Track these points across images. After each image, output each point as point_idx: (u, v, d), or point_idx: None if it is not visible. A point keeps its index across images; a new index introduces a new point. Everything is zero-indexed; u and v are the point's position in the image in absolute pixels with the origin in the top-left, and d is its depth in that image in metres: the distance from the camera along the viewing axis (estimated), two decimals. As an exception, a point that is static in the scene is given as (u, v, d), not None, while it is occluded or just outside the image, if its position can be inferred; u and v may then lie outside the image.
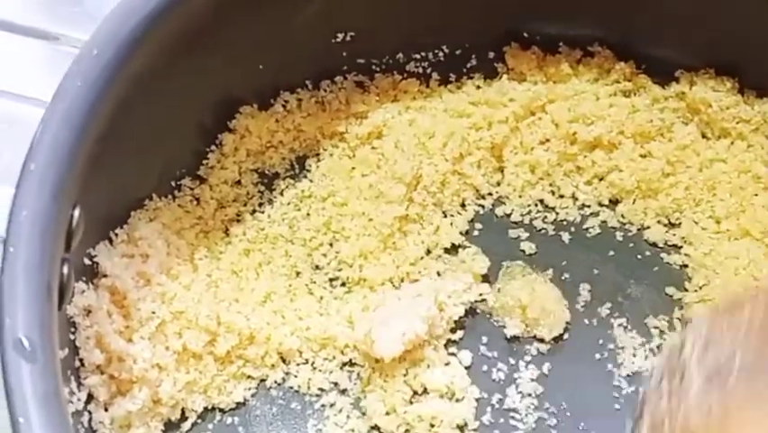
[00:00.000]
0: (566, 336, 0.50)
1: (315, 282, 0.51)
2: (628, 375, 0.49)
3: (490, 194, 0.54)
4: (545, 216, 0.54)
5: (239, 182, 0.53)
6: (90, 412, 0.43)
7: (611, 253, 0.53)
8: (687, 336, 0.44)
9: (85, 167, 0.40)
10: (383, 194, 0.53)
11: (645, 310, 0.51)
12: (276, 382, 0.49)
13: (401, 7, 0.55)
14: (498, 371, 0.49)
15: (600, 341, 0.50)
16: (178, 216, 0.51)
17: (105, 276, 0.45)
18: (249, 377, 0.49)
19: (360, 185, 0.53)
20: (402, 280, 0.51)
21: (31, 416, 0.34)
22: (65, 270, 0.39)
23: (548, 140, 0.55)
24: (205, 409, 0.48)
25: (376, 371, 0.48)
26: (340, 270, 0.52)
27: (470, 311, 0.51)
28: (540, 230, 0.54)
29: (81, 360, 0.43)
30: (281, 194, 0.54)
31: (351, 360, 0.49)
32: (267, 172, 0.54)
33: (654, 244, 0.53)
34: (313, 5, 0.53)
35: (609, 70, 0.57)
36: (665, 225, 0.53)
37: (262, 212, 0.53)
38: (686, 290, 0.52)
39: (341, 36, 0.55)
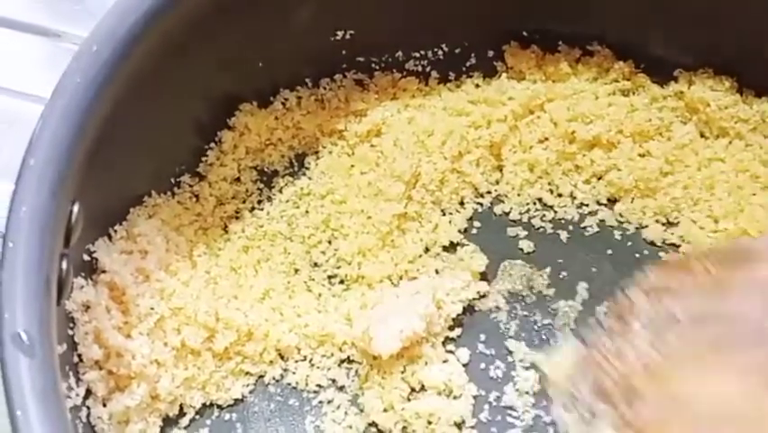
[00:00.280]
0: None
1: (313, 280, 0.52)
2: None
3: (489, 192, 0.55)
4: (544, 215, 0.54)
5: (238, 179, 0.54)
6: (89, 407, 0.43)
7: (609, 251, 0.53)
8: (634, 291, 0.45)
9: (84, 163, 0.40)
10: (382, 192, 0.53)
11: (643, 309, 0.51)
12: (274, 378, 0.49)
13: (400, 6, 0.55)
14: (495, 368, 0.49)
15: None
16: (177, 212, 0.51)
17: (104, 272, 0.45)
18: (247, 373, 0.49)
19: (359, 183, 0.53)
20: (401, 278, 0.51)
21: (29, 409, 0.34)
22: (64, 265, 0.39)
23: (547, 138, 0.55)
24: (204, 405, 0.48)
25: (374, 368, 0.49)
26: (338, 267, 0.52)
27: (468, 309, 0.51)
28: (538, 228, 0.54)
29: (80, 355, 0.43)
30: (280, 191, 0.54)
31: (349, 357, 0.49)
32: (266, 170, 0.54)
33: (653, 243, 0.53)
34: (311, 4, 0.53)
35: (608, 69, 0.57)
36: (663, 224, 0.54)
37: (261, 209, 0.53)
38: (684, 289, 0.52)
39: (340, 34, 0.55)
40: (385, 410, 0.48)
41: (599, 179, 0.55)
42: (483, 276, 0.52)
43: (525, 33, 0.58)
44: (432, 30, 0.57)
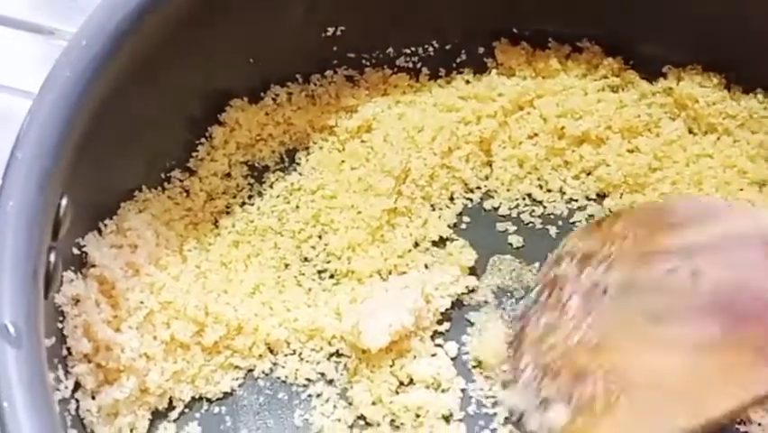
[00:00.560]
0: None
1: (303, 274, 0.52)
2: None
3: (479, 188, 0.55)
4: (533, 210, 0.54)
5: (228, 174, 0.54)
6: (77, 400, 0.44)
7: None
8: (562, 255, 0.45)
9: (73, 157, 0.40)
10: (372, 187, 0.53)
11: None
12: (263, 372, 0.49)
13: (391, 2, 0.56)
14: (483, 362, 0.50)
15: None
16: (167, 207, 0.51)
17: (93, 266, 0.46)
18: (236, 367, 0.49)
19: (349, 178, 0.54)
20: (390, 273, 0.52)
21: (15, 400, 0.34)
22: (52, 258, 0.39)
23: (536, 134, 0.55)
24: (193, 398, 0.48)
25: (362, 361, 0.49)
26: (328, 262, 0.52)
27: (457, 303, 0.51)
28: (528, 224, 0.54)
29: (69, 348, 0.43)
30: (271, 186, 0.54)
31: (338, 351, 0.50)
32: (256, 165, 0.55)
33: (641, 238, 0.53)
34: (302, 0, 0.53)
35: (598, 66, 0.57)
36: (652, 220, 0.54)
37: (252, 204, 0.54)
38: (671, 284, 0.52)
39: (331, 31, 0.56)
40: (373, 404, 0.48)
41: (588, 174, 0.55)
42: (472, 271, 0.52)
43: (515, 30, 0.58)
44: (422, 26, 0.57)
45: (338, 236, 0.52)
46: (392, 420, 0.48)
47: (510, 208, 0.54)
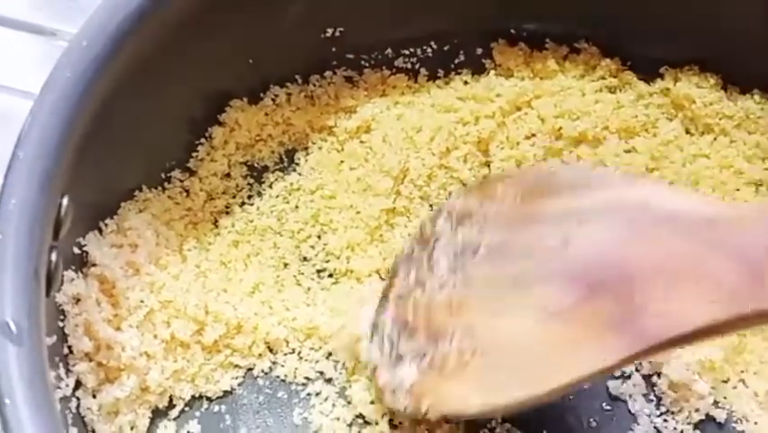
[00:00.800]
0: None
1: (302, 274, 0.52)
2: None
3: (477, 188, 0.55)
4: (531, 210, 0.55)
5: (228, 175, 0.54)
6: (78, 399, 0.44)
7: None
8: (441, 210, 0.44)
9: (73, 157, 0.41)
10: (371, 187, 0.53)
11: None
12: (263, 371, 0.50)
13: (389, 3, 0.56)
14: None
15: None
16: (167, 207, 0.52)
17: (94, 265, 0.46)
18: (236, 366, 0.49)
19: (348, 178, 0.54)
20: (388, 272, 0.52)
21: (17, 397, 0.35)
22: (53, 257, 0.39)
23: (534, 135, 0.56)
24: (193, 397, 0.48)
25: (360, 362, 0.49)
26: (327, 261, 0.52)
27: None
28: (525, 223, 0.54)
29: (70, 347, 0.44)
30: (270, 186, 0.54)
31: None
32: (256, 165, 0.55)
33: (637, 238, 0.54)
34: (301, 1, 0.53)
35: (595, 67, 0.58)
36: (648, 220, 0.54)
37: (251, 204, 0.54)
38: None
39: (330, 31, 0.56)
40: (372, 403, 0.48)
41: (586, 174, 0.55)
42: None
43: (513, 31, 0.58)
44: (421, 28, 0.58)
45: (337, 236, 0.52)
46: (390, 420, 0.48)
47: (508, 208, 0.55)
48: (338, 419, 0.48)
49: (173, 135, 0.52)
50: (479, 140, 0.55)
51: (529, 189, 0.42)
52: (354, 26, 0.56)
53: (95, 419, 0.44)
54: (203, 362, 0.49)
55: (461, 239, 0.43)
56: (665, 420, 0.48)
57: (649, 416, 0.48)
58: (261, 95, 0.56)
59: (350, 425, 0.48)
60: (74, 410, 0.43)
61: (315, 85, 0.57)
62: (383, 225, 0.53)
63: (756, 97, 0.55)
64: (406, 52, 0.58)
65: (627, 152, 0.55)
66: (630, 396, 0.49)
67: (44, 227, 0.38)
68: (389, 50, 0.58)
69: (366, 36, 0.57)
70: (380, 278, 0.51)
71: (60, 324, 0.43)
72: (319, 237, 0.53)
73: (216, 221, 0.53)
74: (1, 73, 0.61)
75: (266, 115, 0.55)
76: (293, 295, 0.51)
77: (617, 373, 0.49)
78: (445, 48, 0.58)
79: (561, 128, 0.55)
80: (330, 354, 0.50)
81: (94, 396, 0.45)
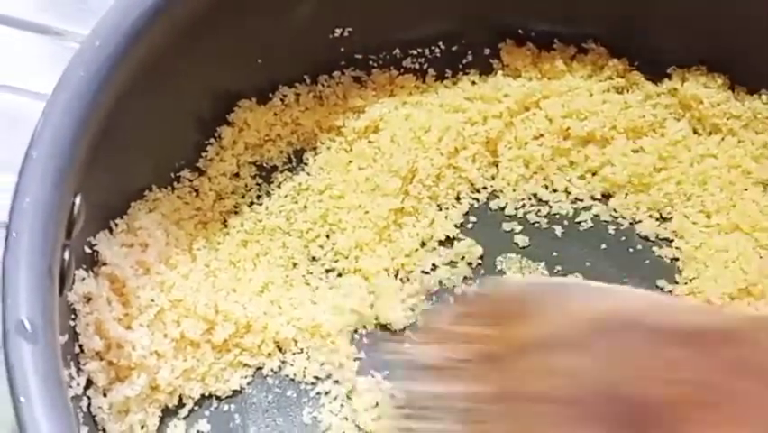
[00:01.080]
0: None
1: (311, 273, 0.52)
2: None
3: (485, 188, 0.55)
4: (539, 210, 0.55)
5: (237, 174, 0.54)
6: (89, 397, 0.44)
7: (603, 246, 0.54)
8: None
9: (86, 156, 0.41)
10: (379, 187, 0.53)
11: (636, 303, 0.52)
12: (272, 370, 0.50)
13: (398, 4, 0.56)
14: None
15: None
16: (177, 207, 0.52)
17: (105, 264, 0.46)
18: (245, 365, 0.49)
19: (356, 178, 0.54)
20: (397, 272, 0.52)
21: (32, 395, 0.35)
22: (66, 256, 0.39)
23: (542, 135, 0.56)
24: (203, 396, 0.48)
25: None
26: (336, 261, 0.52)
27: (462, 302, 0.51)
28: (533, 223, 0.54)
29: (81, 346, 0.44)
30: (279, 186, 0.55)
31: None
32: (265, 165, 0.55)
33: (646, 238, 0.54)
34: (310, 2, 0.53)
35: (603, 67, 0.58)
36: (657, 219, 0.54)
37: (260, 204, 0.54)
38: (676, 283, 0.52)
39: (338, 32, 0.56)
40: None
41: (594, 174, 0.55)
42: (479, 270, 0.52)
43: (520, 32, 0.59)
44: (429, 28, 0.58)
45: (345, 236, 0.53)
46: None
47: (516, 208, 0.55)
48: (347, 418, 0.48)
49: (182, 135, 0.53)
50: (487, 140, 0.55)
51: (499, 324, 0.37)
52: (363, 26, 0.56)
53: (105, 417, 0.44)
54: (212, 361, 0.49)
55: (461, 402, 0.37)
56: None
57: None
58: (270, 95, 0.56)
59: (359, 424, 0.48)
60: (85, 409, 0.43)
61: (323, 85, 0.57)
62: (391, 225, 0.53)
63: (764, 97, 0.56)
64: (415, 53, 0.58)
65: (635, 151, 0.55)
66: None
67: (58, 226, 0.38)
68: (398, 51, 0.58)
69: (374, 36, 0.57)
70: (387, 276, 0.52)
71: (72, 323, 0.43)
72: (328, 237, 0.53)
73: (225, 221, 0.53)
74: (9, 74, 0.61)
75: (275, 115, 0.56)
76: (302, 294, 0.51)
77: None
78: (453, 48, 0.59)
79: (569, 128, 0.55)
80: (334, 351, 0.50)
81: (104, 395, 0.45)
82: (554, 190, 0.55)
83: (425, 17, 0.57)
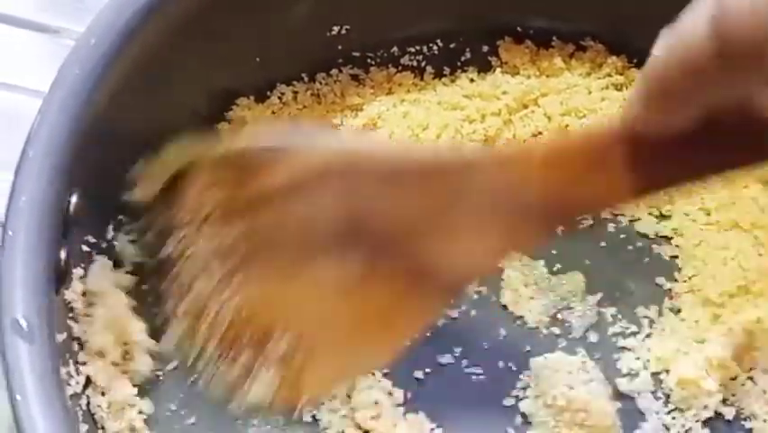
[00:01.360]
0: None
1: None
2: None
3: (483, 185, 0.55)
4: (538, 208, 0.55)
5: (235, 173, 0.54)
6: (88, 396, 0.44)
7: (603, 243, 0.54)
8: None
9: (82, 154, 0.41)
10: (377, 185, 0.53)
11: (636, 300, 0.52)
12: (271, 368, 0.50)
13: (396, 1, 0.56)
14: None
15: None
16: (175, 204, 0.52)
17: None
18: (244, 364, 0.49)
19: (354, 176, 0.54)
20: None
21: (28, 394, 0.35)
22: (63, 254, 0.39)
23: (540, 132, 0.56)
24: (201, 394, 0.48)
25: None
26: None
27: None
28: (532, 221, 0.54)
29: (81, 344, 0.44)
30: (277, 184, 0.54)
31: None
32: (263, 163, 0.55)
33: (645, 236, 0.54)
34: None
35: (601, 64, 0.58)
36: (656, 217, 0.54)
37: (258, 202, 0.54)
38: (676, 281, 0.52)
39: (336, 30, 0.56)
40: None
41: (592, 172, 0.55)
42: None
43: (519, 29, 0.59)
44: (427, 25, 0.58)
45: (344, 234, 0.52)
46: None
47: (515, 206, 0.55)
48: (345, 416, 0.48)
49: (179, 133, 0.52)
50: (485, 137, 0.55)
51: (235, 178, 0.41)
52: (360, 24, 0.56)
53: (104, 416, 0.44)
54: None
55: (210, 248, 0.41)
56: (673, 418, 0.48)
57: (657, 413, 0.48)
58: (268, 93, 0.56)
59: (358, 423, 0.48)
60: (84, 408, 0.43)
61: (321, 83, 0.57)
62: (390, 223, 0.53)
63: (763, 94, 0.55)
64: (412, 50, 0.58)
65: (634, 149, 0.55)
66: (638, 393, 0.49)
67: (54, 224, 0.39)
68: (395, 48, 0.58)
69: (372, 34, 0.57)
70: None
71: (70, 321, 0.43)
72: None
73: (224, 219, 0.53)
74: (7, 72, 0.61)
75: (273, 113, 0.55)
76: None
77: (625, 371, 0.49)
78: (451, 46, 0.58)
79: (567, 125, 0.55)
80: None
81: (103, 394, 0.45)
82: (553, 188, 0.55)
83: (422, 15, 0.57)
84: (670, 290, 0.52)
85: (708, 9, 0.31)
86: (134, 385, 0.45)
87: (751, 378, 0.49)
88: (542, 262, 0.53)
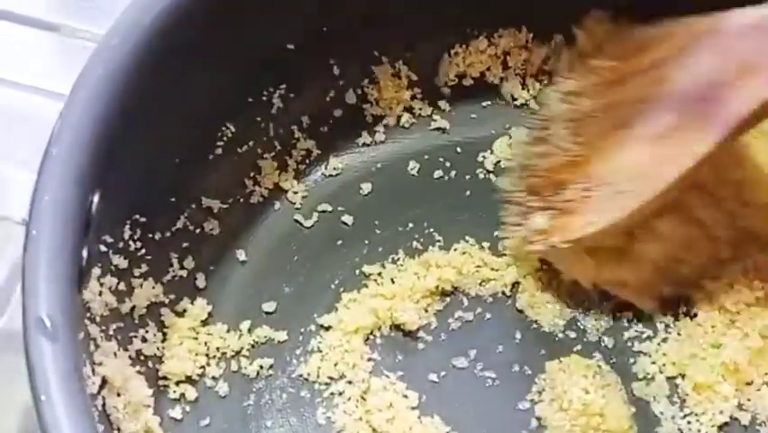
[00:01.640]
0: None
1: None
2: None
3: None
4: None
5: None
6: (104, 397, 0.44)
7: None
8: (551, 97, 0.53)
9: (105, 154, 0.41)
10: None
11: (653, 305, 0.52)
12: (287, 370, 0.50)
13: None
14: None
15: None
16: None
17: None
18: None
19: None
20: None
21: (52, 394, 0.34)
22: (84, 254, 0.39)
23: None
24: (217, 395, 0.48)
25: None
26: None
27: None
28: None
29: (96, 345, 0.43)
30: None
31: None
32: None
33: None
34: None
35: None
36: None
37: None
38: (692, 287, 0.52)
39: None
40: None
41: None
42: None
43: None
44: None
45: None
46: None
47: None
48: (360, 419, 0.48)
49: (201, 133, 0.52)
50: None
51: (624, 54, 0.49)
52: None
53: (120, 417, 0.44)
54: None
55: (574, 113, 0.49)
56: (689, 422, 0.48)
57: (672, 417, 0.49)
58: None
59: (373, 426, 0.48)
60: (100, 408, 0.43)
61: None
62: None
63: None
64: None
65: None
66: (654, 398, 0.49)
67: (77, 224, 0.38)
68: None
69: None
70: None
71: (86, 321, 0.43)
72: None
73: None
74: (18, 71, 0.61)
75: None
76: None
77: (641, 375, 0.49)
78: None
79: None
80: (348, 351, 0.50)
81: (119, 394, 0.45)
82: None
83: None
84: (686, 295, 0.52)
85: None
86: (150, 387, 0.45)
87: (766, 383, 0.49)
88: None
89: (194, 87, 0.47)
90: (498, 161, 0.55)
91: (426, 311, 0.51)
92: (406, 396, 0.49)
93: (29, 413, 0.47)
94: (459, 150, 0.56)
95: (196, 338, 0.49)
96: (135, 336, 0.46)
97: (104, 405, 0.43)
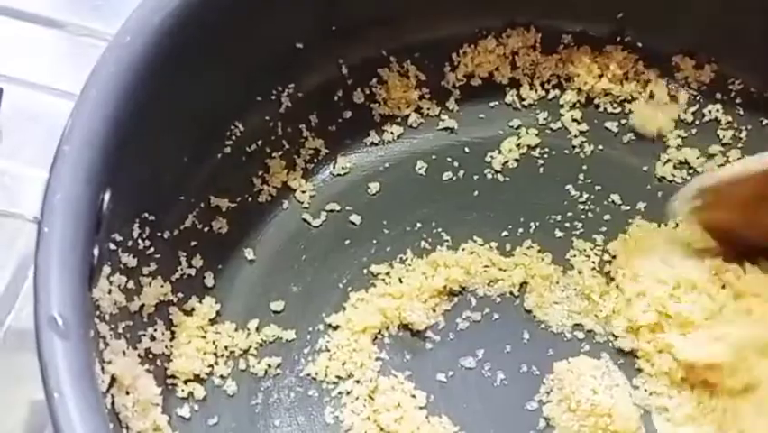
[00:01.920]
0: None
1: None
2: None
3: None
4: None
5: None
6: (113, 395, 0.44)
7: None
8: None
9: (116, 152, 0.41)
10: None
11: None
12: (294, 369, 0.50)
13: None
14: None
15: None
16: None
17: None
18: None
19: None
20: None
21: (65, 392, 0.35)
22: (95, 252, 0.39)
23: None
24: (225, 394, 0.48)
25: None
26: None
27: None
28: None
29: (106, 343, 0.43)
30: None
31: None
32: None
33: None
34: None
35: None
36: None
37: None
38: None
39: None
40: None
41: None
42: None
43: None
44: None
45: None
46: (422, 418, 0.48)
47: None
48: (369, 418, 0.48)
49: (210, 132, 0.52)
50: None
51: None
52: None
53: (129, 415, 0.44)
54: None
55: None
56: (696, 423, 0.48)
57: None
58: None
59: (381, 425, 0.48)
60: (109, 406, 0.43)
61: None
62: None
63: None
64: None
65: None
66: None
67: (89, 222, 0.38)
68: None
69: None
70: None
71: (96, 320, 0.43)
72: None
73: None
74: (26, 70, 0.61)
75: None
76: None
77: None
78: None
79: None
80: (356, 350, 0.50)
81: (128, 393, 0.45)
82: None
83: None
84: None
85: None
86: (159, 385, 0.45)
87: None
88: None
89: (203, 86, 0.47)
90: (506, 162, 0.55)
91: (434, 311, 0.51)
92: (413, 396, 0.49)
93: (36, 409, 0.47)
94: (467, 150, 0.56)
95: (205, 337, 0.49)
96: (144, 335, 0.46)
97: (113, 403, 0.43)
